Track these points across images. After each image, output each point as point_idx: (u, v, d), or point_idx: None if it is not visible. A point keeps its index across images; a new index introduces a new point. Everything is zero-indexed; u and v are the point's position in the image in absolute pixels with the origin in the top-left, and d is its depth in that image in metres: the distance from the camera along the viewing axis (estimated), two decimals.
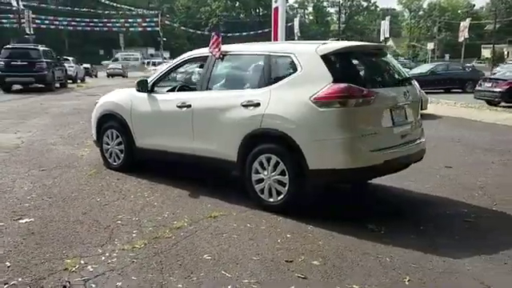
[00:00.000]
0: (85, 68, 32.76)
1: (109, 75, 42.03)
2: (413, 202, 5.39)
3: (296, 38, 43.59)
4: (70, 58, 28.48)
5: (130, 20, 52.41)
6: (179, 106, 5.51)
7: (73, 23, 47.88)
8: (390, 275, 3.45)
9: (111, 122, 6.40)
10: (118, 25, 50.63)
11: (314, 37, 72.07)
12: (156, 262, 3.59)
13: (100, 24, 50.36)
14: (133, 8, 56.53)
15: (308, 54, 4.70)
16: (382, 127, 4.62)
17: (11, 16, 44.67)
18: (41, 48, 20.41)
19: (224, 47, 5.45)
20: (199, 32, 65.42)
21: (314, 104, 4.43)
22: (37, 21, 44.51)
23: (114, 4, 52.36)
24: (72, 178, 6.03)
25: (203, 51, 5.65)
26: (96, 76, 42.85)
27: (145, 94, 5.96)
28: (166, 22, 58.18)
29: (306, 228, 4.36)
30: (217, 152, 5.19)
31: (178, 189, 5.55)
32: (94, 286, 3.21)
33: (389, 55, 5.32)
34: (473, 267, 3.61)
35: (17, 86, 20.19)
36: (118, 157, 6.39)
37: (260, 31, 53.01)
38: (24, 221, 4.44)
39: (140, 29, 51.19)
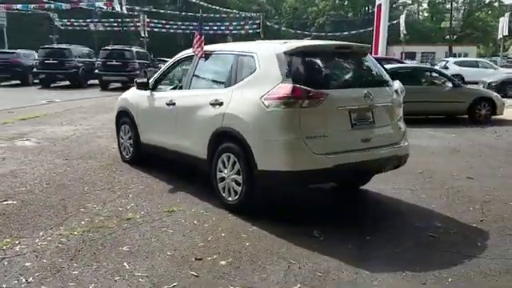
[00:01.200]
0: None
1: None
2: (388, 212, 5.06)
3: (401, 36, 41.85)
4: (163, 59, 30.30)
5: (234, 23, 54.23)
6: (167, 104, 5.76)
7: (182, 27, 50.78)
8: (283, 281, 3.33)
9: (124, 118, 6.85)
10: (222, 28, 52.71)
11: (427, 34, 68.34)
12: (76, 249, 3.83)
13: (206, 28, 52.84)
14: (240, 12, 58.47)
15: (266, 53, 4.66)
16: (335, 130, 4.41)
17: (127, 20, 48.77)
18: (134, 49, 22.17)
19: (207, 47, 5.58)
20: (306, 32, 65.52)
21: (263, 104, 4.39)
22: (151, 24, 48.00)
23: (221, 8, 54.64)
24: (84, 168, 6.55)
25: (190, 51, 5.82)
26: None
27: (148, 92, 6.29)
28: (267, 23, 59.10)
29: (246, 229, 4.33)
30: (191, 149, 5.33)
31: (165, 183, 5.80)
32: (6, 263, 3.54)
33: (368, 56, 5.05)
34: (382, 283, 3.33)
35: (116, 84, 22.02)
36: (130, 150, 6.82)
37: (362, 30, 51.68)
38: (6, 203, 4.98)
39: (243, 32, 52.72)
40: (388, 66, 12.03)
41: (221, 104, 4.85)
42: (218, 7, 53.40)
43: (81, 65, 21.64)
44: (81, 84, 21.47)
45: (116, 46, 23.82)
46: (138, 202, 5.08)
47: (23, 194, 5.27)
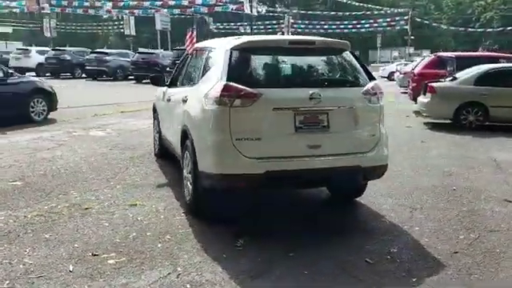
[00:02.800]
0: None
1: None
2: (351, 230, 4.38)
3: None
4: None
5: (379, 20, 52.11)
6: (167, 100, 5.86)
7: (325, 26, 50.64)
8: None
9: (154, 113, 7.15)
10: (366, 26, 51.09)
11: None
12: (11, 230, 4.13)
13: (349, 26, 51.78)
14: (390, 8, 55.98)
15: (221, 49, 4.42)
16: (271, 133, 3.98)
17: (274, 22, 50.35)
18: None
19: (198, 44, 5.52)
20: (471, 29, 59.97)
21: (204, 102, 4.20)
22: (294, 25, 48.86)
23: (371, 6, 53.00)
24: (114, 158, 6.99)
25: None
26: None
27: (164, 88, 6.46)
28: (420, 19, 55.38)
29: (177, 230, 4.18)
30: (175, 146, 5.36)
31: (163, 178, 5.93)
32: None
33: (344, 53, 4.45)
34: None
35: None
36: (156, 144, 7.09)
37: None
38: (13, 183, 5.58)
39: (389, 28, 50.41)
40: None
41: (185, 101, 4.78)
42: (369, 5, 51.95)
43: None
44: None
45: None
46: (115, 193, 5.25)
47: (35, 177, 5.84)
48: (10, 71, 10.24)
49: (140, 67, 23.83)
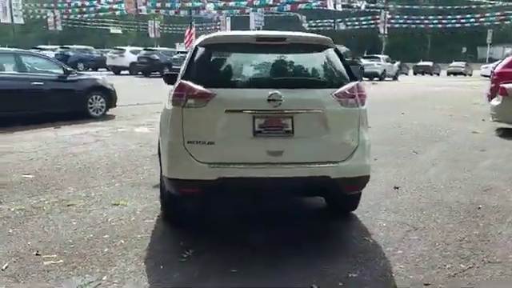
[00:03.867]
0: (399, 66, 32.69)
1: (449, 73, 40.51)
2: (325, 246, 3.87)
3: None
4: (381, 56, 29.10)
5: (487, 14, 47.92)
6: None
7: (425, 21, 47.78)
8: None
9: None
10: (471, 20, 47.27)
11: None
12: None
13: (453, 21, 48.26)
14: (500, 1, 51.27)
15: (193, 46, 4.18)
16: (227, 136, 3.63)
17: (370, 18, 48.55)
18: None
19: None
20: None
21: (166, 102, 4.00)
22: (391, 20, 46.71)
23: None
24: (137, 155, 7.03)
25: None
26: (438, 74, 42.00)
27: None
28: None
29: (136, 235, 4.01)
30: None
31: None
32: None
33: (325, 51, 3.97)
34: None
35: None
36: None
37: None
38: (26, 176, 5.81)
39: (497, 22, 46.13)
40: None
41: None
42: None
43: None
44: None
45: None
46: (109, 191, 5.24)
47: (49, 171, 6.05)
48: (69, 69, 10.84)
49: None
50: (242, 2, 38.94)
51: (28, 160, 6.65)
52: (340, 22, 50.37)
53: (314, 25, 50.27)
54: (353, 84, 3.83)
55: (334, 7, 34.39)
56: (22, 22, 41.23)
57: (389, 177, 5.98)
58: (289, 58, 4.02)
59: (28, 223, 4.26)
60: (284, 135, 3.67)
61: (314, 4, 35.99)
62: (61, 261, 3.51)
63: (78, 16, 48.96)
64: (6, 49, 12.39)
